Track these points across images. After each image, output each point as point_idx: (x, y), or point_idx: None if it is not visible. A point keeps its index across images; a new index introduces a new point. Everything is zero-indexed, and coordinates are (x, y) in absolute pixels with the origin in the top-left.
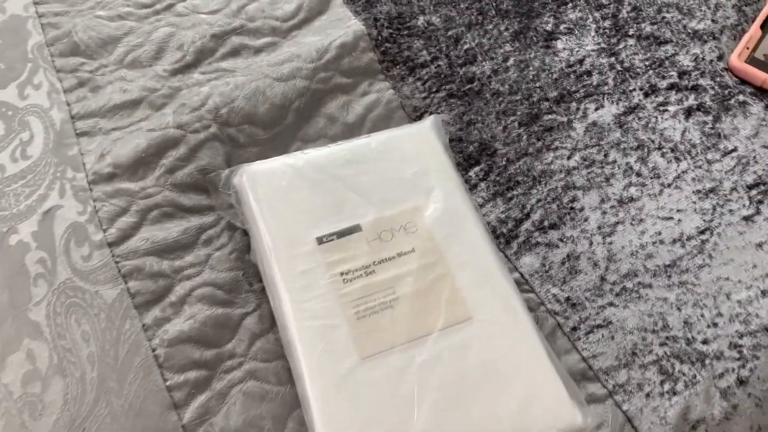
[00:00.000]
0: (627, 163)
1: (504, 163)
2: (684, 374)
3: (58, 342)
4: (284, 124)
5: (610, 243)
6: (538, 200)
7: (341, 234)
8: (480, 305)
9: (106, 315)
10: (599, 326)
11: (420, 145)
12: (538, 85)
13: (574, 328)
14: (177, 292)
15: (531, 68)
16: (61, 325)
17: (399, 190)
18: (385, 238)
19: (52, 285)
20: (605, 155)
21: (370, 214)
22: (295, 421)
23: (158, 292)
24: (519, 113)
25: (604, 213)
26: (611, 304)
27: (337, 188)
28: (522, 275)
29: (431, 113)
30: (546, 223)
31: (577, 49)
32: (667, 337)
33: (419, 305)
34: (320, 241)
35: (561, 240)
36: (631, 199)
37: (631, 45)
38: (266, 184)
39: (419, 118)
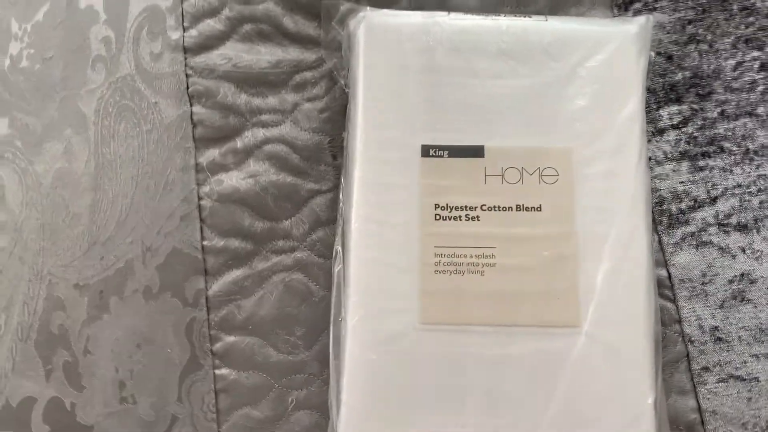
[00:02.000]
0: None
1: (716, 114)
2: None
3: (100, 148)
4: None
5: None
6: (738, 185)
7: (455, 152)
8: (598, 316)
9: (159, 137)
10: (740, 378)
11: (613, 60)
12: None
13: (706, 368)
14: (246, 139)
15: None
16: (108, 129)
17: (555, 118)
18: (510, 177)
19: (111, 75)
20: None
21: (501, 137)
22: (330, 335)
23: (225, 130)
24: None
25: None
26: None
27: (472, 85)
28: (669, 276)
29: (640, 11)
30: (734, 220)
31: None
32: None
33: (518, 284)
34: (426, 151)
35: (743, 250)
36: None
37: None
38: (386, 48)
39: (626, 7)
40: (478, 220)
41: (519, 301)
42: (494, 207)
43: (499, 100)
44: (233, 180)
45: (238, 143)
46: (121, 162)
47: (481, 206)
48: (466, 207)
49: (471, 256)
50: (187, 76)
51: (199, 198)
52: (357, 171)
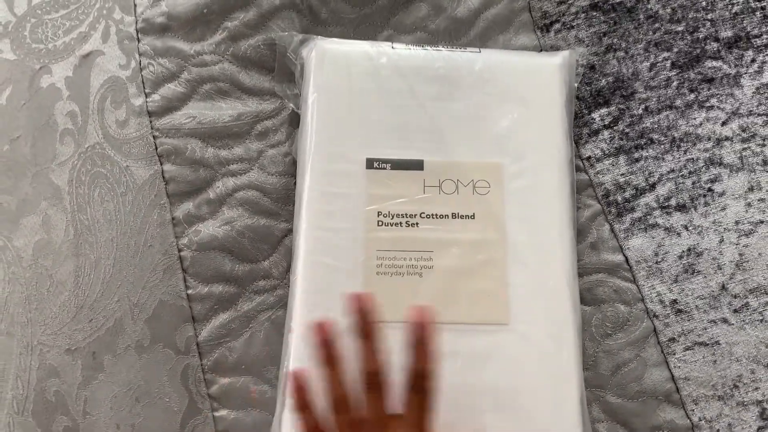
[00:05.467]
0: None
1: (640, 111)
2: None
3: (77, 215)
4: (377, 3)
5: (745, 246)
6: (671, 170)
7: (397, 165)
8: (524, 312)
9: (134, 197)
10: (703, 344)
11: (537, 89)
12: (710, 17)
13: (672, 339)
14: (217, 189)
15: None
16: (84, 197)
17: (487, 136)
18: (446, 188)
19: (80, 147)
20: None
21: (439, 153)
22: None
23: (196, 183)
24: (676, 50)
25: (749, 205)
26: (725, 320)
27: (412, 106)
28: (627, 260)
29: (560, 30)
30: (673, 202)
31: None
32: None
33: (453, 285)
34: (370, 164)
35: (686, 227)
36: None
37: None
38: (334, 71)
39: (547, 28)
40: (418, 226)
41: (453, 300)
42: (432, 215)
43: (437, 120)
44: (210, 228)
45: (211, 194)
46: (100, 226)
47: (420, 214)
48: (406, 215)
49: (410, 259)
50: (154, 137)
51: (179, 250)
52: (307, 182)
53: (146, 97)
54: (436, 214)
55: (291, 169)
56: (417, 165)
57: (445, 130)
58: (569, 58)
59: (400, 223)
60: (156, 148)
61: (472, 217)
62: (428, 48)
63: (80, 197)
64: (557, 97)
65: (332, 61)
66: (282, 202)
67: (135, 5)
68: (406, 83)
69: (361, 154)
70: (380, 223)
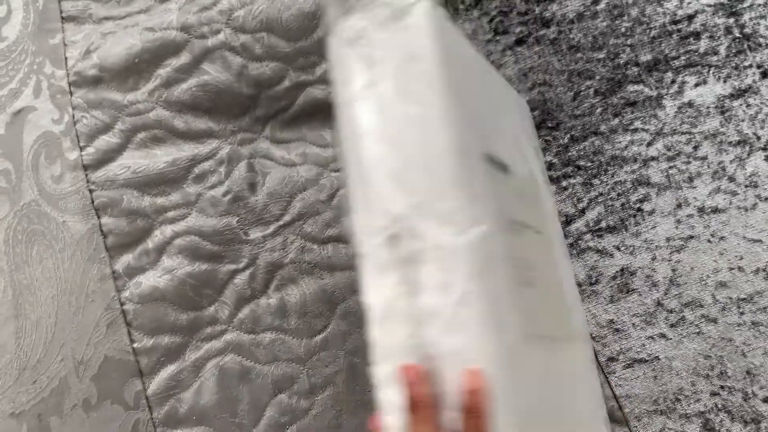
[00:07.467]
0: (720, 163)
1: (566, 140)
2: None
3: (15, 275)
4: (313, 37)
5: (678, 261)
6: (600, 194)
7: (501, 166)
8: (580, 323)
9: (72, 253)
10: (642, 361)
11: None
12: (629, 42)
13: (612, 359)
14: (156, 238)
15: (626, 18)
16: (21, 256)
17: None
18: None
19: (15, 205)
20: (695, 147)
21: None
22: (276, 408)
23: (134, 234)
24: (598, 77)
25: (678, 222)
26: (663, 335)
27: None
28: None
29: (495, 66)
30: (603, 225)
31: (689, 0)
32: (722, 387)
33: (552, 298)
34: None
35: (618, 248)
36: (716, 210)
37: (760, 5)
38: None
39: None
40: (541, 233)
41: (557, 312)
42: (533, 226)
43: None
44: (151, 280)
45: (149, 244)
46: (39, 284)
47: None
48: (532, 225)
49: (525, 270)
50: (90, 191)
51: (122, 303)
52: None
53: (81, 150)
54: (533, 226)
55: (232, 208)
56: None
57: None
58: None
59: (530, 232)
60: (92, 202)
61: (541, 233)
62: None
63: (17, 256)
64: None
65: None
66: (225, 243)
67: (66, 59)
68: None
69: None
70: (514, 230)
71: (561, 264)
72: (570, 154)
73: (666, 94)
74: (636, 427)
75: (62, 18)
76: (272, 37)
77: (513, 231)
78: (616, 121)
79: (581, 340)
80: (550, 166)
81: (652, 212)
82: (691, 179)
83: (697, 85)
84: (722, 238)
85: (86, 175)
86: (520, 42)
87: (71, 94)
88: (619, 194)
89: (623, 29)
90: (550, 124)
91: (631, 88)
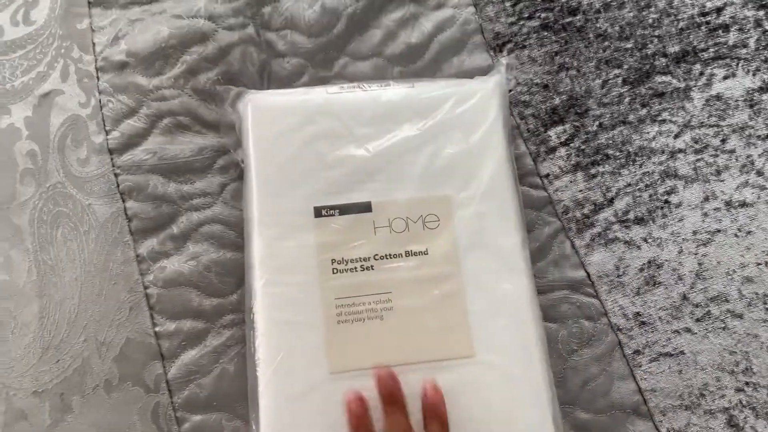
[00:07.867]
0: (748, 156)
1: (595, 128)
2: (756, 431)
3: (40, 255)
4: (333, 33)
5: (704, 255)
6: (628, 184)
7: (345, 210)
8: (488, 341)
9: (96, 235)
10: (667, 355)
11: (474, 115)
12: (657, 33)
13: (637, 352)
14: (181, 224)
15: (653, 9)
16: (46, 237)
17: (430, 170)
18: (397, 227)
19: (40, 186)
20: (723, 140)
21: (385, 193)
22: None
23: (159, 220)
24: (626, 67)
25: (705, 215)
26: (688, 330)
27: (354, 149)
28: (588, 275)
29: (513, 50)
30: (631, 216)
31: None
32: (747, 383)
33: (415, 324)
34: (318, 212)
35: (645, 240)
36: (743, 204)
37: None
38: (271, 124)
39: (500, 48)
40: (373, 269)
41: (417, 339)
42: (386, 255)
43: (378, 159)
44: (175, 264)
45: (174, 229)
46: (63, 266)
47: (374, 256)
48: (360, 258)
49: (369, 303)
50: (115, 175)
51: (145, 287)
52: (255, 239)
53: (107, 134)
54: (390, 254)
55: None
56: (365, 207)
57: (388, 169)
58: (499, 78)
59: (355, 267)
60: (118, 186)
61: (426, 252)
62: (364, 86)
63: (42, 237)
64: (494, 119)
65: (269, 115)
66: None
67: (94, 44)
68: (345, 127)
69: (308, 204)
70: (335, 271)
71: (478, 272)
72: (599, 141)
73: (694, 86)
74: (661, 421)
75: (89, 2)
76: (295, 34)
77: (359, 269)
78: (644, 111)
79: (495, 353)
80: (580, 151)
81: (679, 205)
82: (718, 172)
83: (725, 77)
84: (749, 232)
85: (111, 159)
86: (545, 27)
87: (98, 78)
88: (647, 185)
89: (650, 20)
90: (578, 110)
91: (659, 79)
